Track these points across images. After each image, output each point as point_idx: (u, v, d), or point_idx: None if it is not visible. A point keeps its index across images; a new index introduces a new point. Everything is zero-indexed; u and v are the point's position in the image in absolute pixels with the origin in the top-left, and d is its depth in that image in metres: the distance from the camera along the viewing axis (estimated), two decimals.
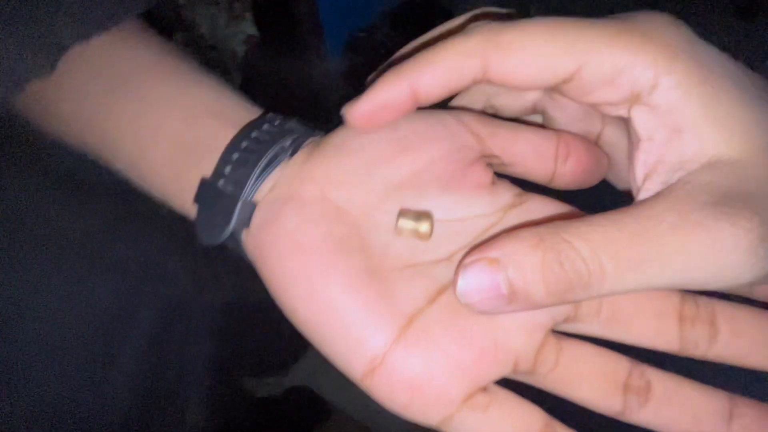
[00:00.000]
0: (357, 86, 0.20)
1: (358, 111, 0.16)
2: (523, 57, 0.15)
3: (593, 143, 0.19)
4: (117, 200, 0.24)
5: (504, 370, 0.16)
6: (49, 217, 0.23)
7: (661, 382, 0.17)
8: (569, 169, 0.18)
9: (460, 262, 0.15)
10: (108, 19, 0.20)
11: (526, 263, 0.13)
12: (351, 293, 0.16)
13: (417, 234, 0.17)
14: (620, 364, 0.17)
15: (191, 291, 0.31)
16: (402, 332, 0.16)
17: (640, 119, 0.15)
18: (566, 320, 0.17)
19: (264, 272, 0.17)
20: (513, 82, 0.15)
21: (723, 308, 0.17)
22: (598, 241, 0.13)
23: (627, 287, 0.13)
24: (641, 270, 0.13)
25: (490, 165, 0.19)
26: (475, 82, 0.16)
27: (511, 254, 0.14)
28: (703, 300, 0.17)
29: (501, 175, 0.19)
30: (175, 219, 0.20)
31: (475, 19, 0.20)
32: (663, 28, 0.14)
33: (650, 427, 0.17)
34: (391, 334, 0.16)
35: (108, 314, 0.28)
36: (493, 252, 0.14)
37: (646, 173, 0.15)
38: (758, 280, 0.13)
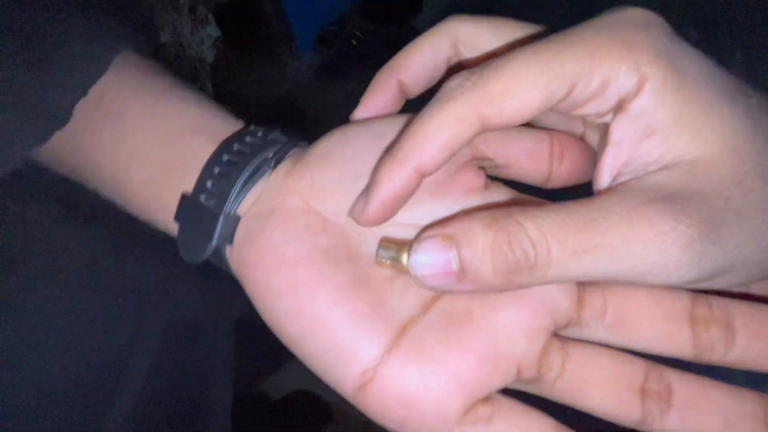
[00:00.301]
0: (330, 80, 0.19)
1: (370, 213, 0.16)
2: (517, 103, 0.14)
3: (583, 141, 0.18)
4: (122, 224, 0.23)
5: (506, 379, 0.15)
6: (56, 241, 0.23)
7: (683, 384, 0.15)
8: (565, 169, 0.18)
9: (417, 236, 0.15)
10: (100, 72, 0.20)
11: (478, 242, 0.14)
12: (339, 305, 0.15)
13: (397, 267, 0.16)
14: (635, 365, 0.16)
15: (200, 311, 0.31)
16: (394, 343, 0.15)
17: (616, 123, 0.15)
18: (569, 324, 0.16)
19: (249, 288, 0.17)
20: (512, 123, 0.15)
21: (739, 308, 0.16)
22: (547, 226, 0.13)
23: (571, 274, 0.14)
24: (586, 257, 0.13)
25: (482, 168, 0.18)
26: (477, 135, 0.15)
27: (465, 232, 0.14)
28: (717, 300, 0.16)
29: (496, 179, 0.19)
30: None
31: (445, 29, 0.19)
32: (641, 30, 0.14)
33: None
34: (382, 346, 0.15)
35: (116, 337, 0.28)
36: (449, 229, 0.14)
37: (613, 175, 0.15)
38: (702, 278, 0.14)
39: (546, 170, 0.18)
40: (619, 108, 0.15)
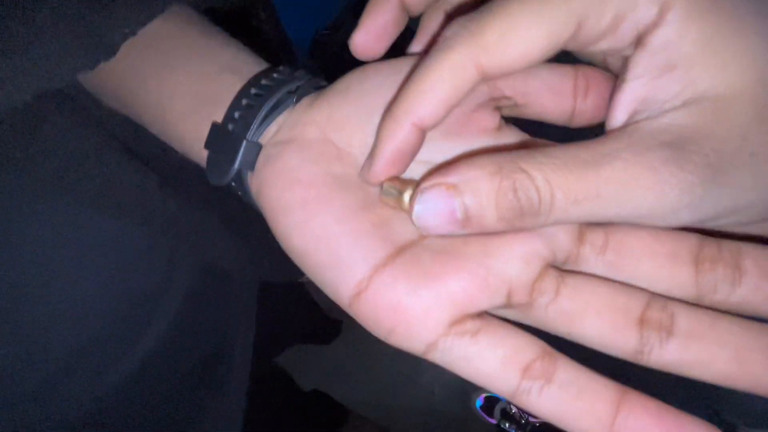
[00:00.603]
0: (327, 84, 0.21)
1: (375, 171, 0.17)
2: (517, 49, 0.14)
3: (610, 74, 0.17)
4: (169, 168, 0.26)
5: (496, 299, 0.15)
6: (108, 170, 0.24)
7: (690, 315, 0.15)
8: (590, 105, 0.17)
9: (418, 185, 0.15)
10: (153, 16, 0.22)
11: (482, 190, 0.14)
12: (343, 222, 0.16)
13: (400, 207, 0.16)
14: (635, 295, 0.15)
15: (232, 264, 0.32)
16: (390, 259, 0.16)
17: (635, 58, 0.14)
18: (568, 259, 0.16)
19: (263, 205, 0.18)
20: (515, 70, 0.14)
21: (751, 250, 0.15)
22: (552, 173, 0.13)
23: (573, 218, 0.14)
24: (588, 204, 0.13)
25: (498, 108, 0.18)
26: (477, 85, 0.15)
27: (470, 181, 0.14)
28: (728, 243, 0.15)
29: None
30: (221, 195, 0.22)
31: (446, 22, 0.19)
32: None
33: (676, 367, 0.14)
34: (378, 260, 0.16)
35: (153, 272, 0.30)
36: (452, 177, 0.14)
37: (629, 113, 0.15)
38: (703, 219, 0.14)
39: (570, 107, 0.17)
40: (638, 42, 0.14)
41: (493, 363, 0.15)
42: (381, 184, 0.17)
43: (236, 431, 0.39)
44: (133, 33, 0.21)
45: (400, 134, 0.15)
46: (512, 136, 0.18)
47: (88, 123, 0.24)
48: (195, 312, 0.34)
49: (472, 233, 0.15)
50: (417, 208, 0.15)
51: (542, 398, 0.14)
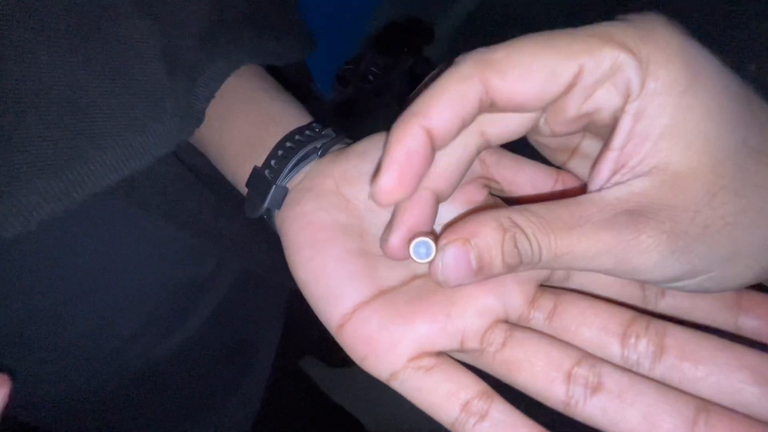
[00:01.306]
0: (349, 118, 0.25)
1: (383, 180, 0.17)
2: (522, 70, 0.15)
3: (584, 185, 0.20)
4: (223, 190, 0.32)
5: (452, 344, 0.18)
6: (177, 191, 0.30)
7: (615, 377, 0.16)
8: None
9: (437, 244, 0.17)
10: (224, 79, 0.27)
11: (491, 243, 0.16)
12: (340, 264, 0.19)
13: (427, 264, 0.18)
14: (568, 352, 0.17)
15: (267, 270, 0.38)
16: (372, 299, 0.19)
17: (621, 123, 0.15)
18: (520, 318, 0.18)
19: (282, 239, 0.21)
20: (519, 98, 0.15)
21: (675, 331, 0.16)
22: (539, 231, 0.15)
23: (553, 266, 0.16)
24: (566, 258, 0.15)
25: (487, 187, 0.21)
26: (483, 108, 0.16)
27: (480, 236, 0.16)
28: (656, 321, 0.17)
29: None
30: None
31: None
32: (658, 28, 0.14)
33: (597, 422, 0.16)
34: (361, 299, 0.19)
35: (200, 269, 0.37)
36: (465, 233, 0.16)
37: (608, 177, 0.16)
38: (669, 279, 0.15)
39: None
40: (625, 102, 0.15)
41: (439, 396, 0.17)
42: (409, 244, 0.18)
43: (254, 410, 0.45)
44: (213, 96, 0.26)
45: (409, 135, 0.16)
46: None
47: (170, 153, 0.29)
48: (234, 304, 0.40)
49: (478, 280, 0.17)
50: (439, 260, 0.16)
51: (475, 431, 0.16)
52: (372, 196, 0.17)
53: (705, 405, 0.15)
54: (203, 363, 0.40)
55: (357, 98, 1.03)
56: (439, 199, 0.18)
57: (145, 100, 0.24)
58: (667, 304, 0.18)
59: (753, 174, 0.14)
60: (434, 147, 0.16)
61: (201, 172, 0.33)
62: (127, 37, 0.24)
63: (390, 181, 0.17)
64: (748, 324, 0.17)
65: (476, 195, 0.21)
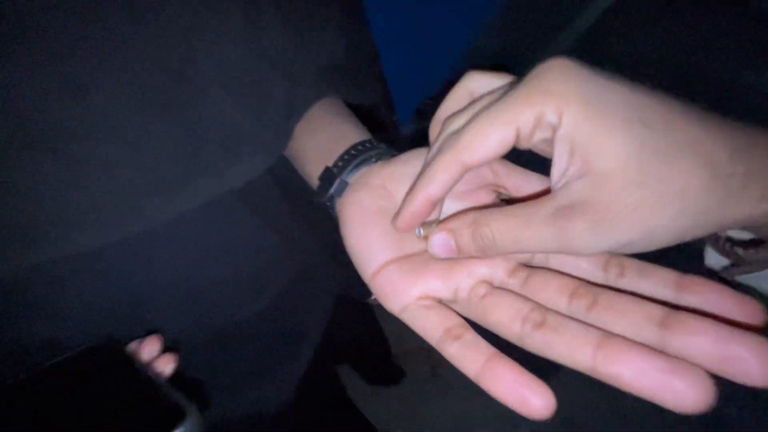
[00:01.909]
0: (420, 147, 0.31)
1: (401, 221, 0.25)
2: (483, 147, 0.21)
3: None
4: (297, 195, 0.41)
5: (447, 294, 0.24)
6: (266, 193, 0.40)
7: (558, 319, 0.20)
8: None
9: (434, 230, 0.25)
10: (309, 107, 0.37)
11: (465, 235, 0.23)
12: (378, 235, 0.26)
13: (424, 239, 0.25)
14: (525, 303, 0.22)
15: (320, 269, 0.47)
16: (396, 260, 0.26)
17: (555, 148, 0.21)
18: (501, 284, 0.24)
19: (340, 217, 0.28)
20: (486, 162, 0.22)
21: (607, 294, 0.21)
22: (498, 227, 0.22)
23: (514, 250, 0.22)
24: (520, 244, 0.21)
25: (497, 192, 0.27)
26: (463, 173, 0.23)
27: (458, 229, 0.23)
28: (595, 287, 0.22)
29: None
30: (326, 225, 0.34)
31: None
32: (560, 78, 0.20)
33: (541, 351, 0.20)
34: (389, 259, 0.26)
35: (285, 266, 0.46)
36: (450, 226, 0.24)
37: (559, 182, 0.21)
38: (603, 250, 0.20)
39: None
40: (553, 136, 0.21)
41: (431, 323, 0.23)
42: (419, 227, 0.25)
43: (288, 399, 0.52)
44: (299, 120, 0.36)
45: (416, 201, 0.24)
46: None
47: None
48: (289, 297, 0.48)
49: (460, 257, 0.24)
50: (431, 242, 0.24)
51: (452, 348, 0.22)
52: (393, 225, 0.26)
53: (608, 335, 0.19)
54: (257, 342, 0.48)
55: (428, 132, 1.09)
56: (431, 200, 0.24)
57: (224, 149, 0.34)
58: (624, 282, 0.22)
59: (655, 170, 0.18)
60: (434, 204, 0.24)
61: (281, 182, 0.42)
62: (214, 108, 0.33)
63: (403, 225, 0.25)
64: (686, 299, 0.21)
65: (485, 198, 0.27)
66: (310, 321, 0.54)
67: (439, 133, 0.24)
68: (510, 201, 0.27)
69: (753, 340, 0.16)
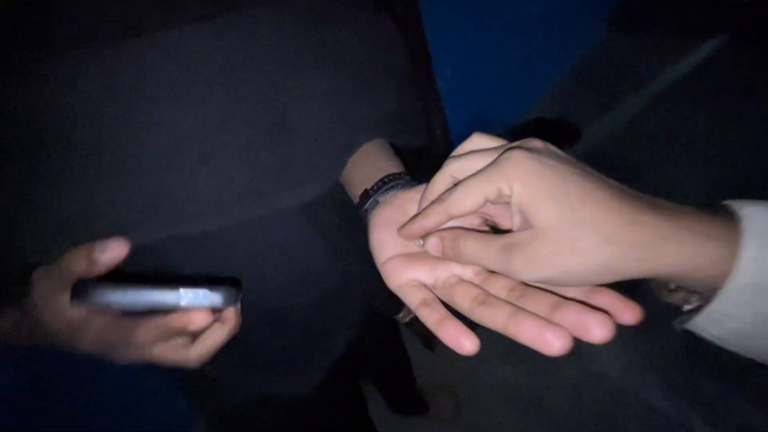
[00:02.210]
0: None
1: (405, 233, 0.34)
2: (462, 206, 0.30)
3: None
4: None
5: (430, 281, 0.33)
6: (322, 210, 0.50)
7: (496, 302, 0.29)
8: None
9: (429, 238, 0.33)
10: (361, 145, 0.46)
11: (448, 246, 0.31)
12: (390, 237, 0.35)
13: (422, 246, 0.34)
14: (479, 290, 0.30)
15: (358, 279, 0.56)
16: (400, 255, 0.34)
17: (512, 208, 0.28)
18: (469, 278, 0.32)
19: (368, 225, 0.37)
20: (464, 214, 0.30)
21: (532, 290, 0.29)
22: (468, 245, 0.30)
23: (471, 263, 0.30)
24: (480, 261, 0.30)
25: (485, 217, 0.35)
26: (450, 219, 0.32)
27: (445, 238, 0.32)
28: (526, 286, 0.30)
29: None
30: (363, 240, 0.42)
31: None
32: (515, 163, 0.28)
33: (479, 319, 0.29)
34: (395, 253, 0.34)
35: (335, 272, 0.56)
36: (442, 234, 0.32)
37: (515, 227, 0.29)
38: (541, 281, 0.27)
39: None
40: (509, 203, 0.29)
41: (413, 296, 0.32)
42: (421, 239, 0.34)
43: (313, 390, 0.58)
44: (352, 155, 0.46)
45: (415, 229, 0.33)
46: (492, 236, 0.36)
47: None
48: (331, 298, 0.58)
49: (442, 258, 0.32)
50: (428, 242, 0.33)
51: (423, 311, 0.31)
52: (398, 233, 0.34)
53: (518, 310, 0.27)
54: (295, 332, 0.57)
55: None
56: (428, 232, 0.33)
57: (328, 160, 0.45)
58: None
59: (566, 233, 0.26)
60: (427, 232, 0.33)
61: (336, 202, 0.51)
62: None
63: (404, 236, 0.34)
64: (594, 300, 0.28)
65: (473, 221, 0.35)
66: (343, 323, 0.61)
67: (440, 173, 0.33)
68: (492, 226, 0.35)
69: (598, 316, 0.25)
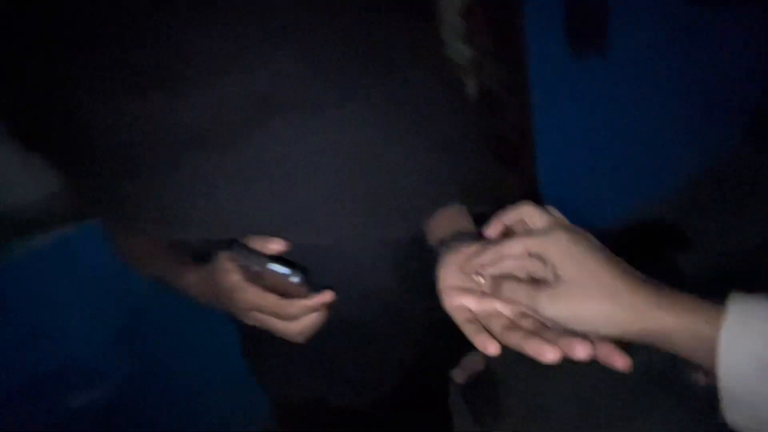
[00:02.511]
0: None
1: (465, 269, 0.45)
2: (510, 249, 0.40)
3: None
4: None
5: (474, 307, 0.43)
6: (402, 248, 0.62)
7: (524, 324, 0.39)
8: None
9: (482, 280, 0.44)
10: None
11: (495, 283, 0.41)
12: (454, 273, 0.45)
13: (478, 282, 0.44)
14: (505, 315, 0.41)
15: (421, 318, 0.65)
16: (458, 286, 0.44)
17: (547, 264, 0.36)
18: (511, 312, 0.42)
19: (439, 262, 0.47)
20: (512, 254, 0.40)
21: (532, 318, 0.39)
22: (511, 285, 0.39)
23: (510, 298, 0.39)
24: (511, 299, 0.40)
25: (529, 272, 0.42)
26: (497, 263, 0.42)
27: (494, 279, 0.42)
28: (532, 316, 0.39)
29: None
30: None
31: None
32: (552, 235, 0.37)
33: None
34: (454, 284, 0.44)
35: (386, 280, 0.64)
36: (492, 276, 0.43)
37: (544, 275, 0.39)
38: (557, 320, 0.36)
39: None
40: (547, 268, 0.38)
41: (461, 316, 0.42)
42: (479, 276, 0.44)
43: (364, 406, 0.70)
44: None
45: (473, 265, 0.43)
46: None
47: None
48: (392, 326, 0.68)
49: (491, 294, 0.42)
50: (481, 281, 0.44)
51: (469, 327, 0.42)
52: (460, 268, 0.45)
53: (528, 333, 0.38)
54: (359, 345, 0.67)
55: None
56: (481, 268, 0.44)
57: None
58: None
59: (583, 290, 0.35)
60: (480, 269, 0.43)
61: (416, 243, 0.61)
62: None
63: (466, 270, 0.45)
64: (600, 348, 0.36)
65: (521, 272, 0.43)
66: (397, 353, 0.69)
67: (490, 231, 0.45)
68: (532, 277, 0.42)
69: (582, 341, 0.34)
